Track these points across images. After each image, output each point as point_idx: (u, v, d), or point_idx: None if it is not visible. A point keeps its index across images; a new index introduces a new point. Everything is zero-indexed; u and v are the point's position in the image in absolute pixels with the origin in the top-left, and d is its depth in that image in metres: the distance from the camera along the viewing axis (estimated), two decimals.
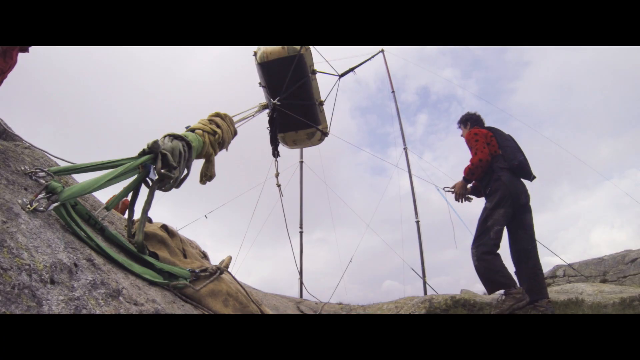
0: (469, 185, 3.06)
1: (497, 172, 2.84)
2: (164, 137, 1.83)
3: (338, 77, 4.51)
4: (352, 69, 4.84)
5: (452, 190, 3.08)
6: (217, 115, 2.48)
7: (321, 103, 4.19)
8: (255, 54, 3.72)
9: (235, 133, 2.66)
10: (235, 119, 2.74)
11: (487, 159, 2.88)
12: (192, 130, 2.19)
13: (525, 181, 2.95)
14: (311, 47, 3.84)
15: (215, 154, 2.36)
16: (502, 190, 2.77)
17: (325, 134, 4.37)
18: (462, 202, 3.06)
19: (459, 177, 3.19)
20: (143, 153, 1.59)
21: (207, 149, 2.20)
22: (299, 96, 3.89)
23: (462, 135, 3.33)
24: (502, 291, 2.71)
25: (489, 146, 2.95)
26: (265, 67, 3.71)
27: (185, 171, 1.90)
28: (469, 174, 2.94)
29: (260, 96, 3.96)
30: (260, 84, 3.88)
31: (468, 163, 2.96)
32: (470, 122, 3.28)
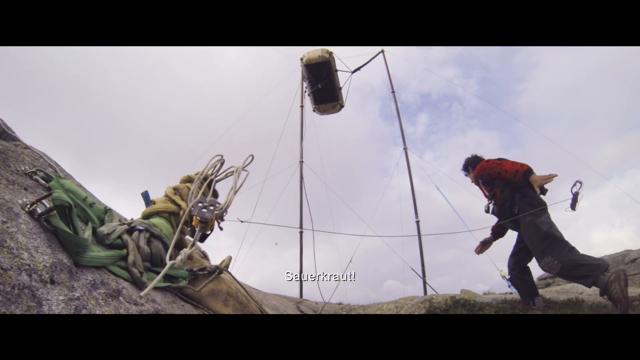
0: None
1: (520, 191, 2.82)
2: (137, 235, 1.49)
3: (350, 73, 8.03)
4: (359, 68, 8.08)
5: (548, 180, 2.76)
6: (186, 183, 1.94)
7: (340, 88, 7.97)
8: (302, 59, 7.44)
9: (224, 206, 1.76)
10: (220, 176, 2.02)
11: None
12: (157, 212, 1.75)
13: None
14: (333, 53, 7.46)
15: (198, 227, 1.66)
16: (535, 201, 2.74)
17: (342, 106, 8.13)
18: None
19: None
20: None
21: (181, 228, 1.72)
22: (328, 83, 7.62)
23: (473, 182, 3.32)
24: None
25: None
26: (309, 67, 7.40)
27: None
28: (529, 171, 2.74)
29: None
30: (304, 77, 7.77)
31: (520, 166, 2.81)
32: (471, 166, 3.29)
